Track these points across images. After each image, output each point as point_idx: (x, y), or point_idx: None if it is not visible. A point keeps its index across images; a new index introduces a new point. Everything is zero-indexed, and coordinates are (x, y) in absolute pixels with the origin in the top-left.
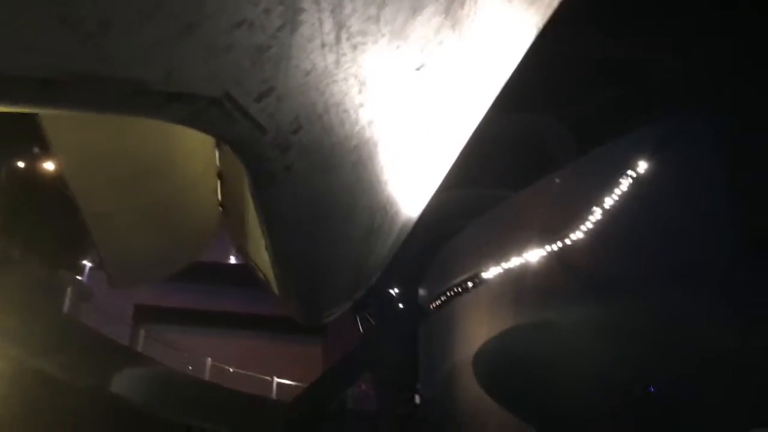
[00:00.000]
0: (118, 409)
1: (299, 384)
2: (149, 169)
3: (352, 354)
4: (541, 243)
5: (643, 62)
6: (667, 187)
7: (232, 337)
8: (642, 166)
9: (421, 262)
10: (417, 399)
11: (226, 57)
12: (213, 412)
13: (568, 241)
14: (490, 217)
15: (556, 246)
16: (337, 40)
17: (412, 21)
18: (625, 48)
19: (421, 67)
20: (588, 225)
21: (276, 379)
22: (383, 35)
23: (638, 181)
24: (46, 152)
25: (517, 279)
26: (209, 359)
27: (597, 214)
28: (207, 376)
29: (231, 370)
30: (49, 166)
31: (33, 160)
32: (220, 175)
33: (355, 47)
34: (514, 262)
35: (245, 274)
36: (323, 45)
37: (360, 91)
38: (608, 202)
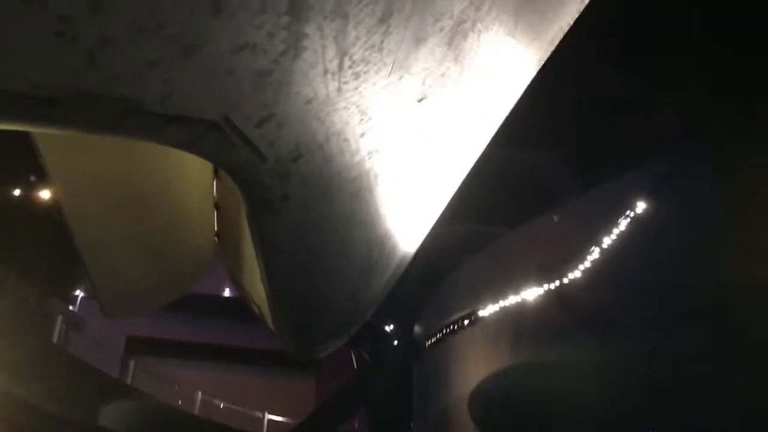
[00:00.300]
0: None
1: (290, 421)
2: (145, 198)
3: (346, 390)
4: (539, 281)
5: (643, 100)
6: (667, 226)
7: (224, 371)
8: (641, 204)
9: (416, 298)
10: None
11: (227, 80)
12: None
13: (566, 280)
14: (487, 254)
15: (553, 284)
16: (340, 67)
17: (415, 51)
18: (625, 85)
19: (423, 98)
20: (586, 263)
21: (267, 415)
22: (386, 64)
23: (637, 219)
24: (42, 180)
25: (514, 317)
26: (200, 393)
27: (595, 252)
28: (197, 411)
29: (221, 405)
30: (44, 194)
31: (28, 188)
32: (217, 206)
33: (357, 75)
34: (511, 300)
35: (238, 306)
36: (325, 72)
37: (361, 121)
38: (607, 240)
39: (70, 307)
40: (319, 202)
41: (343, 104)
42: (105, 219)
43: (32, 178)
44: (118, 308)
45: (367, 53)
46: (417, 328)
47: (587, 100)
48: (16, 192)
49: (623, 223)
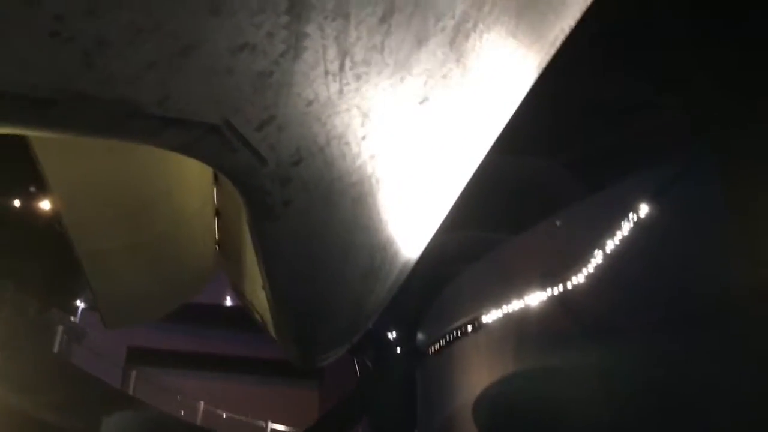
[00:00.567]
0: None
1: (294, 430)
2: (145, 206)
3: (349, 398)
4: (542, 287)
5: (647, 103)
6: (671, 230)
7: (226, 381)
8: (645, 208)
9: (419, 304)
10: None
11: (226, 82)
12: None
13: (569, 285)
14: (490, 260)
15: (557, 290)
16: (341, 68)
17: (417, 52)
18: (628, 88)
19: (425, 100)
20: (590, 268)
21: (270, 425)
22: (387, 65)
23: (641, 223)
24: (42, 191)
25: (517, 323)
26: (202, 403)
27: (599, 257)
28: (199, 421)
29: (224, 415)
30: (44, 205)
31: (28, 199)
32: (217, 213)
33: (358, 77)
34: (514, 306)
35: (240, 316)
36: (326, 73)
37: (363, 124)
38: (610, 245)
39: (71, 318)
40: (321, 207)
41: (344, 106)
42: (105, 228)
43: (32, 188)
44: (118, 318)
45: (368, 54)
46: (420, 335)
47: (589, 104)
48: (17, 203)
49: (627, 228)
